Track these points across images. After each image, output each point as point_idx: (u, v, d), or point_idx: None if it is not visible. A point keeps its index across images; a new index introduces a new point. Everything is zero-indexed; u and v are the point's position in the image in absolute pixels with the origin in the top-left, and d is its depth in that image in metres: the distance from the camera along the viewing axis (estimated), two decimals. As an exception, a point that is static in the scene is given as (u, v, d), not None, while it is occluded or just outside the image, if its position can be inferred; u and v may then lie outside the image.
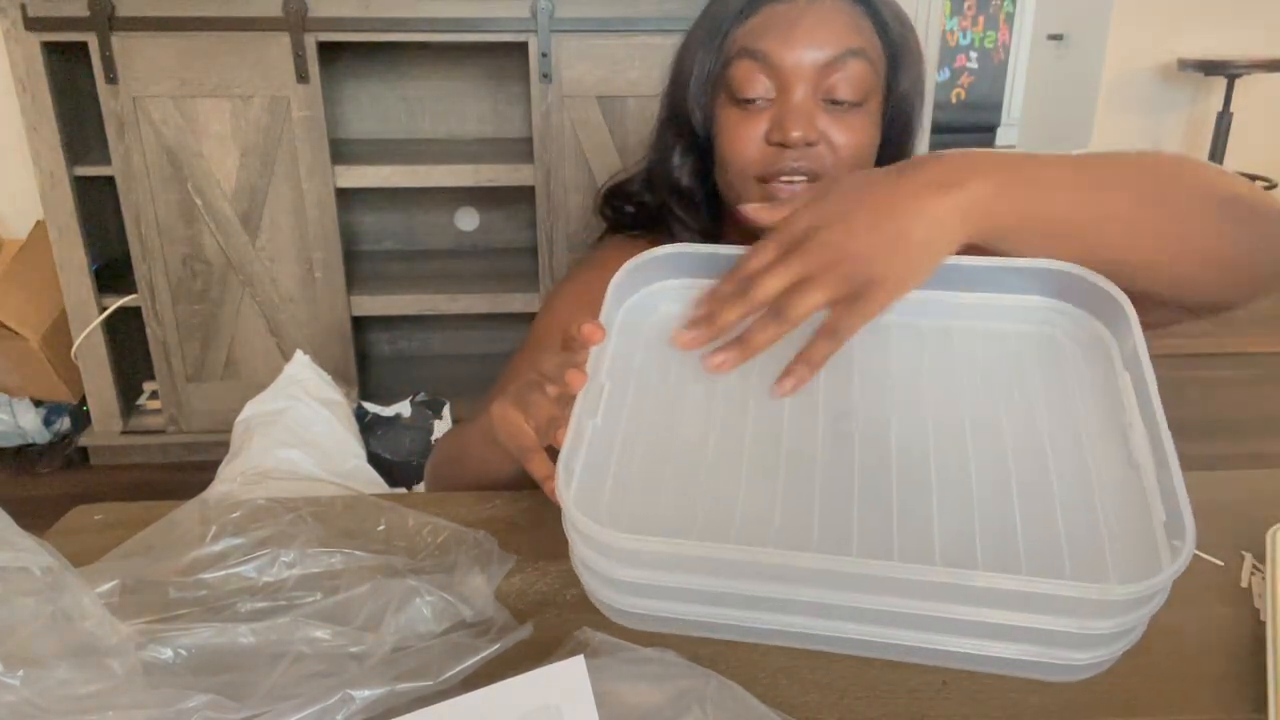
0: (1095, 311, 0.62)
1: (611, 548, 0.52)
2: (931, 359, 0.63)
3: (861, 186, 0.58)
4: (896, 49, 0.77)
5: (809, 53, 0.72)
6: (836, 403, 0.60)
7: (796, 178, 0.74)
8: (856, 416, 0.60)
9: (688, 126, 0.81)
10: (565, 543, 0.67)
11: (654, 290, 0.68)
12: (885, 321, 0.62)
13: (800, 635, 0.54)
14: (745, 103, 0.75)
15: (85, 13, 1.81)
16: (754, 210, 0.60)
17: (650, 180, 0.87)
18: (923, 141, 3.63)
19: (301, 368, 1.74)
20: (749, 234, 0.82)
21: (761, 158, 0.75)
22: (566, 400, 0.58)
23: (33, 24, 1.83)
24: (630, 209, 0.91)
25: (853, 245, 0.55)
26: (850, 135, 0.74)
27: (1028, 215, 0.58)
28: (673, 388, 0.62)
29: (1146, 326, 0.57)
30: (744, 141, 0.75)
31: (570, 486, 0.55)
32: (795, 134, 0.72)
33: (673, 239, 0.86)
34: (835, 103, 0.74)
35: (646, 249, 0.87)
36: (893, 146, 0.80)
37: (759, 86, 0.74)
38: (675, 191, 0.84)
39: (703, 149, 0.81)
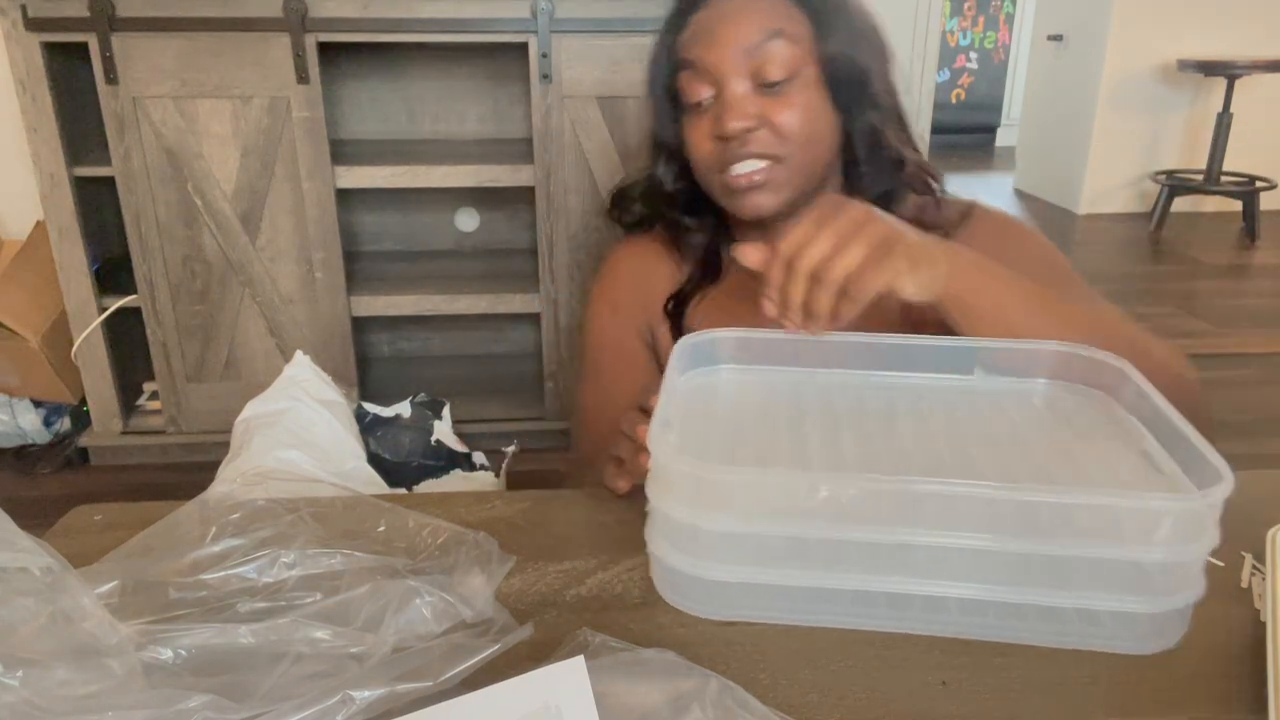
0: (1092, 381, 0.72)
1: (706, 481, 0.55)
2: (963, 415, 0.71)
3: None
4: (817, 12, 0.81)
5: (731, 49, 0.78)
6: (889, 454, 0.65)
7: (749, 163, 0.79)
8: (910, 448, 0.65)
9: (664, 135, 0.87)
10: (565, 543, 0.68)
11: (706, 371, 0.75)
12: (916, 384, 0.74)
13: (876, 599, 0.57)
14: (694, 107, 0.81)
15: (85, 13, 1.82)
16: (740, 251, 0.70)
17: (649, 188, 0.93)
18: (922, 142, 3.62)
19: (301, 368, 1.73)
20: (751, 226, 0.85)
21: (714, 153, 0.81)
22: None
23: (33, 24, 1.83)
24: (638, 209, 0.96)
25: (876, 216, 0.66)
26: (790, 111, 0.79)
27: (977, 288, 0.71)
28: (732, 436, 0.67)
29: None
30: (697, 142, 0.82)
31: (664, 438, 0.57)
32: (731, 126, 0.78)
33: (678, 237, 0.92)
34: (769, 85, 0.78)
35: (658, 246, 0.93)
36: (849, 99, 0.83)
37: (700, 91, 0.80)
38: (668, 199, 0.90)
39: (682, 155, 0.87)
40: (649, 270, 0.94)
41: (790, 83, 0.78)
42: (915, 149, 0.88)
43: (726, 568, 0.57)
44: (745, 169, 0.79)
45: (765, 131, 0.78)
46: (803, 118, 0.79)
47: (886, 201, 0.86)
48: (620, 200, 0.97)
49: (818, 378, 0.75)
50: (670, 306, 0.91)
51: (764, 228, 0.85)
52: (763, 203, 0.81)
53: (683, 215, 0.90)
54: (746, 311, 0.90)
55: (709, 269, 0.91)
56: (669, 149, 0.88)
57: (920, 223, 0.85)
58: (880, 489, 0.54)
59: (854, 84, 0.82)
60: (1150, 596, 0.54)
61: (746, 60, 0.78)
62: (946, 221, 0.86)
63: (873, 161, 0.85)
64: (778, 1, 0.79)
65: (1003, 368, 0.74)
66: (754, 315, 0.90)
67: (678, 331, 0.90)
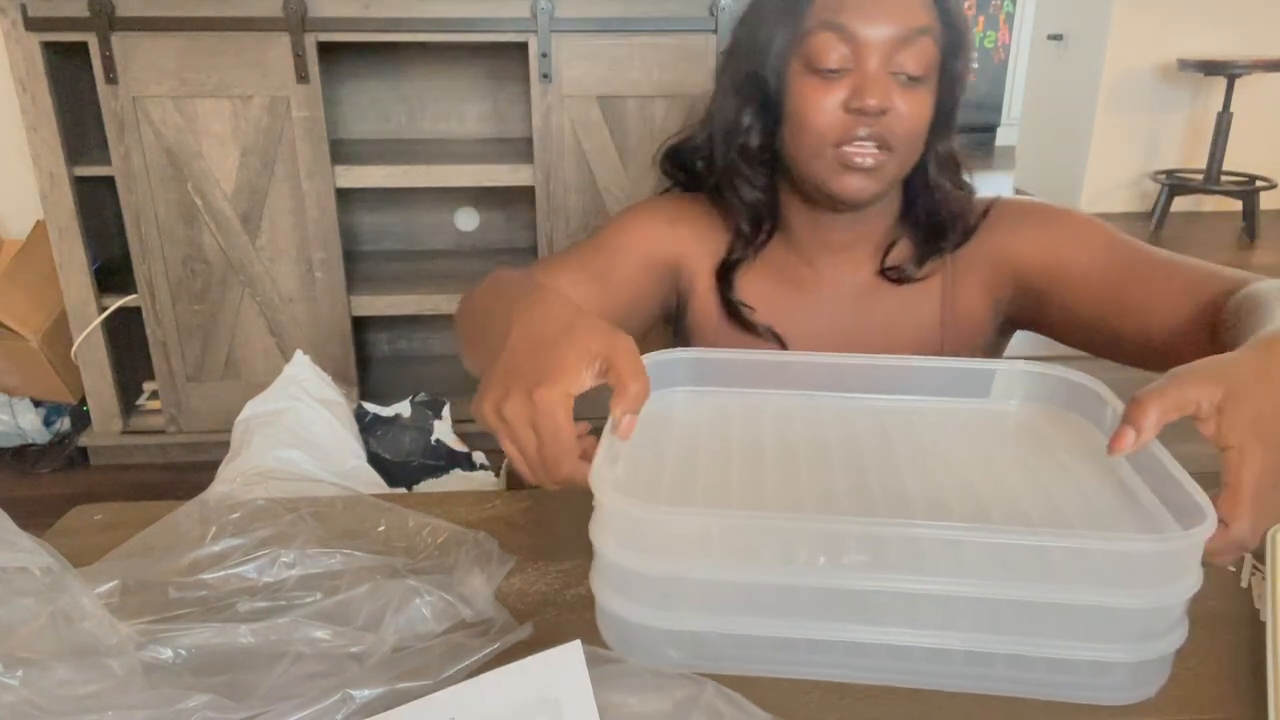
0: (1069, 405, 0.70)
1: (649, 523, 0.51)
2: (930, 442, 0.68)
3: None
4: (956, 32, 0.82)
5: (885, 28, 0.77)
6: (851, 489, 0.61)
7: (868, 144, 0.78)
8: (872, 482, 0.62)
9: (758, 90, 0.83)
10: (565, 543, 0.67)
11: (661, 394, 0.72)
12: (880, 406, 0.72)
13: (835, 648, 0.53)
14: (824, 72, 0.78)
15: (85, 13, 1.81)
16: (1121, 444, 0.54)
17: (713, 140, 0.89)
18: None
19: (301, 368, 1.73)
20: (809, 199, 0.85)
21: (838, 124, 0.78)
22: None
23: (33, 24, 1.83)
24: (691, 165, 0.93)
25: None
26: (914, 107, 0.79)
27: None
28: (684, 471, 0.63)
29: None
30: (822, 109, 0.79)
31: (608, 477, 0.53)
32: (872, 102, 0.76)
33: (720, 199, 0.90)
34: (903, 76, 0.78)
35: (699, 206, 0.91)
36: (942, 122, 0.84)
37: (838, 57, 0.78)
38: (743, 153, 0.86)
39: (771, 113, 0.84)
40: (702, 232, 0.91)
41: (921, 83, 0.79)
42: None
43: (672, 615, 0.52)
44: (866, 148, 0.78)
45: (892, 117, 0.78)
46: (922, 117, 0.80)
47: (942, 230, 0.87)
48: (675, 155, 0.94)
49: (776, 401, 0.73)
50: (720, 273, 0.89)
51: (834, 211, 0.85)
52: (866, 188, 0.80)
53: (752, 173, 0.87)
54: (786, 290, 0.90)
55: (758, 236, 0.89)
56: (761, 102, 0.84)
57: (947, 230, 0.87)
58: (840, 531, 0.51)
59: (951, 109, 0.84)
60: (1128, 644, 0.50)
61: (894, 45, 0.77)
62: (970, 227, 0.88)
63: (941, 187, 0.86)
64: (924, 4, 0.79)
65: (974, 389, 0.73)
66: (794, 295, 0.89)
67: (727, 303, 0.89)
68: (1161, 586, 0.49)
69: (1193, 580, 0.49)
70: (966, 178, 0.89)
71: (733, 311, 0.89)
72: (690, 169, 0.94)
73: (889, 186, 0.82)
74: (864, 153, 0.78)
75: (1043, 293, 0.85)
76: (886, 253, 0.89)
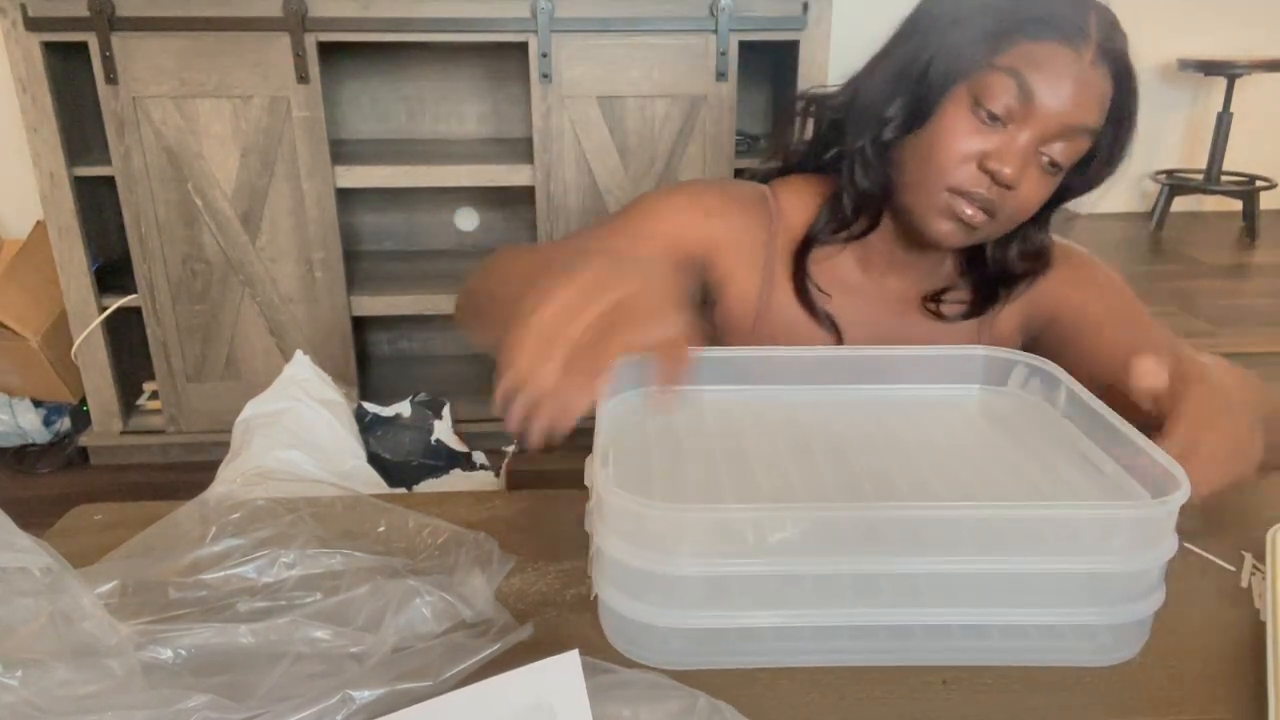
0: (1026, 388, 0.74)
1: (654, 520, 0.51)
2: (902, 429, 0.70)
3: (1229, 411, 0.61)
4: (1115, 140, 0.78)
5: (1064, 111, 0.73)
6: (837, 477, 0.63)
7: (978, 203, 0.76)
8: (856, 470, 0.63)
9: (917, 88, 0.78)
10: (565, 543, 0.67)
11: (635, 395, 0.71)
12: (847, 397, 0.74)
13: (840, 633, 0.54)
14: (982, 114, 0.75)
15: (85, 13, 1.81)
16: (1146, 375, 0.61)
17: (850, 110, 0.83)
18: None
19: (301, 368, 1.73)
20: (896, 216, 0.84)
21: (965, 173, 0.76)
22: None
23: (33, 24, 1.83)
24: (822, 121, 0.88)
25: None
26: (1034, 193, 0.77)
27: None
28: (673, 467, 0.64)
29: None
30: (961, 152, 0.75)
31: (607, 472, 0.54)
32: (1008, 172, 0.74)
33: (778, 192, 0.89)
34: (1045, 160, 0.76)
35: (747, 204, 0.88)
36: (1044, 210, 0.83)
37: (1004, 108, 0.74)
38: (874, 142, 0.81)
39: (914, 118, 0.79)
40: (741, 230, 0.87)
41: (1054, 174, 0.77)
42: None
43: (682, 613, 0.53)
44: (975, 206, 0.76)
45: (1011, 193, 0.76)
46: (1036, 203, 0.78)
47: (997, 295, 0.88)
48: (813, 105, 0.87)
49: (748, 395, 0.74)
50: (799, 251, 0.86)
51: (908, 238, 0.84)
52: (954, 237, 0.79)
53: (877, 160, 0.81)
54: (839, 290, 0.88)
55: (849, 226, 0.85)
56: (913, 100, 0.78)
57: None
58: (839, 517, 0.52)
59: (1062, 203, 0.83)
60: (1109, 607, 0.53)
61: (1056, 131, 0.74)
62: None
63: (1017, 266, 0.87)
64: (1108, 96, 0.76)
65: (937, 376, 0.75)
66: (844, 296, 0.87)
67: (800, 284, 0.86)
68: (1141, 551, 0.52)
69: (1168, 545, 0.53)
70: (1046, 250, 0.88)
71: (801, 291, 0.86)
72: (821, 124, 0.88)
73: (974, 243, 0.82)
74: (972, 209, 0.76)
75: (1066, 340, 0.88)
76: (939, 294, 0.89)
